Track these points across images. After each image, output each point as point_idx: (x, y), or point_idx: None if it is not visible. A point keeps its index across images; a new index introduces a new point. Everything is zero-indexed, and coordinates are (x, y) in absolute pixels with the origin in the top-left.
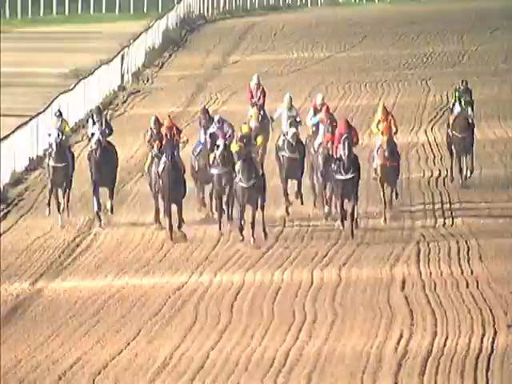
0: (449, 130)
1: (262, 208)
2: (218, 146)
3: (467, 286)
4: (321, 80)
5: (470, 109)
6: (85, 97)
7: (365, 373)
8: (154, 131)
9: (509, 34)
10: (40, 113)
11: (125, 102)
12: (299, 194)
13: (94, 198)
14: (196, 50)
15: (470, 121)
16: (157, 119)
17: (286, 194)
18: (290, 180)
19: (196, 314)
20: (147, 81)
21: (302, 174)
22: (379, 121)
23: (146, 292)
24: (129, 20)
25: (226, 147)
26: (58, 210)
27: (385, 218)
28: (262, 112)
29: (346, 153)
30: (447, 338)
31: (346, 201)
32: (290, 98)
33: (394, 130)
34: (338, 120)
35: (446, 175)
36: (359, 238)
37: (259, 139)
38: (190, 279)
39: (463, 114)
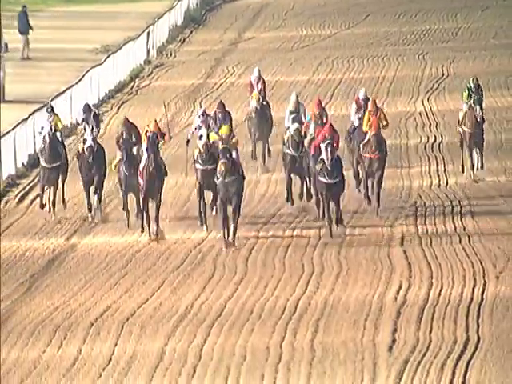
0: (459, 127)
1: (239, 206)
2: (201, 136)
3: (460, 242)
4: (327, 55)
5: (478, 107)
6: (114, 70)
7: (367, 320)
8: (124, 133)
9: (498, 13)
10: (74, 84)
11: (150, 74)
12: (302, 191)
13: (85, 198)
14: (214, 28)
15: (479, 119)
16: (127, 120)
17: (290, 191)
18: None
19: (214, 267)
20: (170, 55)
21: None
22: (370, 114)
23: (169, 247)
24: (154, 0)
25: (209, 137)
26: (53, 206)
27: (377, 213)
28: (263, 102)
29: (329, 158)
30: (442, 288)
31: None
32: (297, 97)
33: (385, 123)
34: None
35: (441, 141)
36: (362, 199)
37: (234, 140)
38: (209, 235)
39: (472, 110)
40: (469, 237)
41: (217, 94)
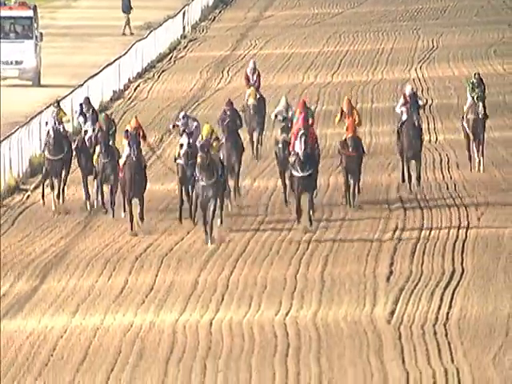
0: (464, 120)
1: (221, 205)
2: (181, 145)
3: (447, 188)
4: (335, 30)
5: (481, 104)
6: (155, 43)
7: (368, 255)
8: (104, 127)
9: None
10: (121, 56)
11: (185, 47)
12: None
13: (83, 190)
14: (240, 7)
15: (481, 116)
16: (107, 116)
17: (285, 186)
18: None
19: (239, 211)
20: (203, 31)
21: None
22: (343, 113)
23: None
24: None
25: (190, 145)
26: (58, 198)
27: (347, 203)
28: (259, 98)
29: (302, 148)
30: (432, 228)
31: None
32: (286, 100)
33: (357, 121)
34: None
35: (432, 103)
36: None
37: (215, 144)
38: (234, 184)
39: (474, 105)
40: (455, 184)
41: (242, 64)
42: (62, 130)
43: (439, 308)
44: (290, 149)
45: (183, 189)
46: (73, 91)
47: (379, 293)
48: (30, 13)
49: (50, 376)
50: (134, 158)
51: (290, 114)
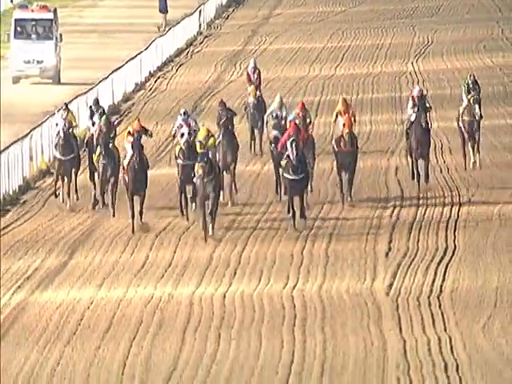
0: (460, 121)
1: (216, 202)
2: (182, 135)
3: (441, 172)
4: (338, 27)
5: (477, 106)
6: (174, 39)
7: (369, 233)
8: (104, 128)
9: None
10: (143, 51)
11: (201, 42)
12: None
13: (92, 184)
14: (251, 6)
15: (477, 117)
16: (108, 119)
17: (278, 184)
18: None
19: (251, 193)
20: (217, 28)
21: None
22: (339, 112)
23: None
24: None
25: (191, 135)
26: (68, 195)
27: (343, 203)
28: (258, 92)
29: (294, 154)
30: (427, 208)
31: (295, 198)
32: (281, 99)
33: (353, 122)
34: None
35: (427, 93)
36: (363, 141)
37: (211, 141)
38: (246, 167)
39: (470, 106)
40: (448, 168)
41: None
42: (70, 131)
43: (433, 281)
44: (279, 148)
45: (184, 190)
46: (99, 83)
47: (379, 268)
48: (50, 15)
49: (77, 343)
50: (137, 159)
51: (283, 112)
